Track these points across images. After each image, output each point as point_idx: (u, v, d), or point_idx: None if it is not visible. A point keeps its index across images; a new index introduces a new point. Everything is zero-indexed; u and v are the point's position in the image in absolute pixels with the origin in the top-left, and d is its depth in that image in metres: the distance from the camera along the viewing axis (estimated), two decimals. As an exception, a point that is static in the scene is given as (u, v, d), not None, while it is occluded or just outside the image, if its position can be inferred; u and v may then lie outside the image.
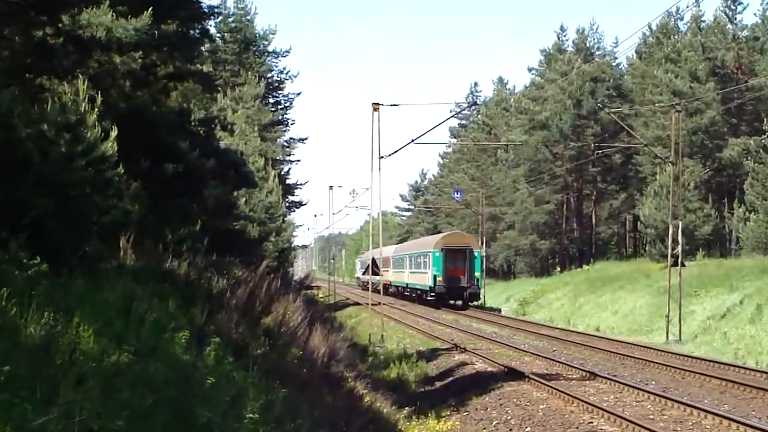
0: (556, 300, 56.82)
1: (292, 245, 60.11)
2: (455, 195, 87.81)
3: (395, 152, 43.63)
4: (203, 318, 11.77)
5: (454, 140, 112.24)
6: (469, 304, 58.93)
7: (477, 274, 59.01)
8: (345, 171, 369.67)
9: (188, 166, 17.44)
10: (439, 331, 40.99)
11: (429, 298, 60.42)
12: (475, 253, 58.77)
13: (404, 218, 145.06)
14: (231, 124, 24.62)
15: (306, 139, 66.46)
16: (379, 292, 45.90)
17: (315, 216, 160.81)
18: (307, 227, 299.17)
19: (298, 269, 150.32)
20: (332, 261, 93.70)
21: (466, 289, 58.44)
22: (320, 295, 73.40)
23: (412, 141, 40.31)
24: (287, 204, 59.39)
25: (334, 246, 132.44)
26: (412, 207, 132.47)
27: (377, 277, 50.24)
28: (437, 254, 58.55)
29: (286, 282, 35.32)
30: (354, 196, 76.80)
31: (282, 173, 57.82)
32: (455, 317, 50.83)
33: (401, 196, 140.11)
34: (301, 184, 66.21)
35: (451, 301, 59.49)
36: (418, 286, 64.79)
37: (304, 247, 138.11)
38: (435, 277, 58.55)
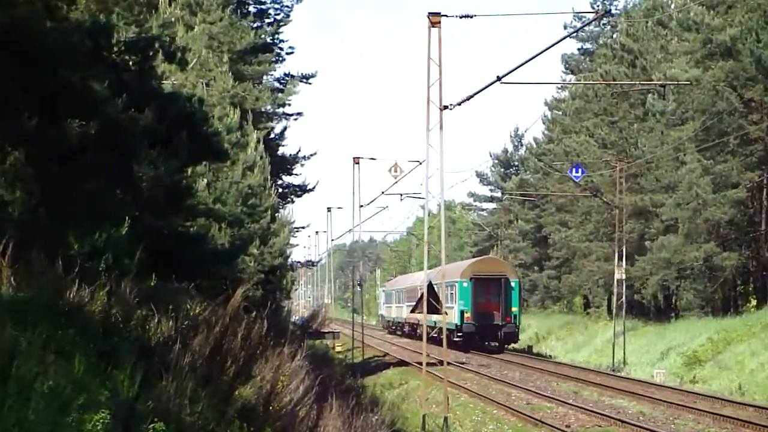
0: (750, 356, 56.41)
1: (290, 261, 60.32)
2: (574, 173, 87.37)
3: (468, 99, 43.40)
4: (134, 388, 11.80)
5: (570, 78, 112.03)
6: (506, 347, 75.66)
7: (514, 309, 75.95)
8: (381, 135, 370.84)
9: (108, 123, 17.48)
10: (544, 411, 40.96)
11: (456, 339, 74.63)
12: (512, 284, 75.88)
13: (484, 214, 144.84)
14: (182, 49, 24.70)
15: (313, 76, 66.63)
16: (438, 341, 46.10)
17: (329, 211, 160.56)
18: (314, 230, 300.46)
19: (300, 302, 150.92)
20: (358, 289, 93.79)
21: (501, 327, 75.26)
22: (338, 347, 73.75)
23: (498, 79, 40.30)
24: (280, 190, 59.56)
25: (362, 262, 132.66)
26: (499, 194, 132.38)
27: (436, 316, 50.56)
28: (465, 285, 75.18)
29: (279, 324, 35.40)
30: (397, 176, 76.74)
31: (271, 137, 57.95)
32: (573, 386, 50.73)
33: (479, 175, 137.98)
34: (304, 157, 66.32)
35: (486, 343, 75.13)
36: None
37: (311, 264, 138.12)
38: (462, 313, 75.09)
